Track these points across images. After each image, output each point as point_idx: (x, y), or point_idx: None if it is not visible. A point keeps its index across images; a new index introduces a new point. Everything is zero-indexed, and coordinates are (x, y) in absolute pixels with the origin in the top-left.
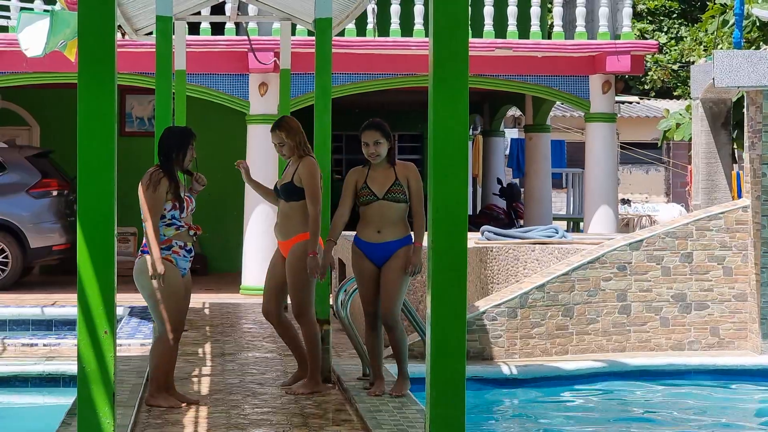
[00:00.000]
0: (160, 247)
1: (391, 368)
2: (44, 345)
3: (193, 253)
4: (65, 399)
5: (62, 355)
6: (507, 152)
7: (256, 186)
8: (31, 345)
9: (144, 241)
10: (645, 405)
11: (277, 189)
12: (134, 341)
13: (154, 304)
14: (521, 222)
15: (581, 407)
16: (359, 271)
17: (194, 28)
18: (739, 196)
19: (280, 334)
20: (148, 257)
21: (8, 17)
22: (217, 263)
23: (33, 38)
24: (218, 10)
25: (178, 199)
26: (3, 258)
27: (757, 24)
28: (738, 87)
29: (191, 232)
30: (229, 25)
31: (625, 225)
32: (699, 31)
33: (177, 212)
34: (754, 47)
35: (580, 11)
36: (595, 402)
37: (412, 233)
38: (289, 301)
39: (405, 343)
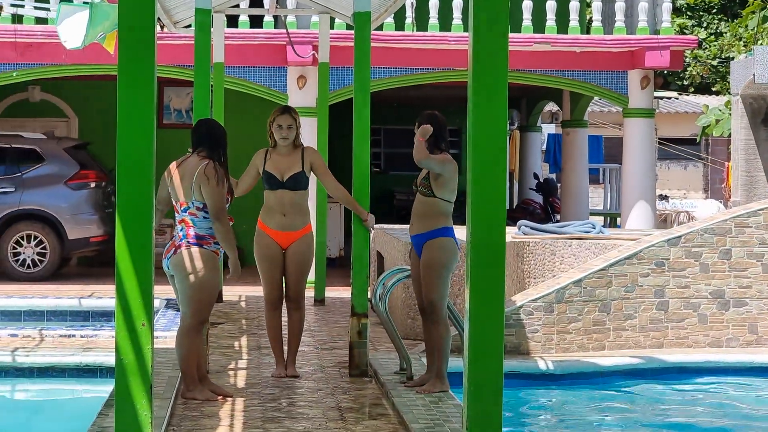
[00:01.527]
0: (212, 242)
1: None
2: (81, 336)
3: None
4: (102, 390)
5: (99, 346)
6: (544, 147)
7: None
8: (69, 336)
9: (194, 233)
10: (681, 402)
11: (275, 179)
12: (170, 333)
13: (192, 294)
14: (558, 217)
15: (618, 403)
16: (410, 264)
17: (233, 21)
18: None
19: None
20: (197, 250)
21: (48, 9)
22: (254, 256)
23: (72, 30)
24: (257, 2)
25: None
26: (41, 249)
27: None
28: None
29: (231, 223)
30: (268, 18)
31: (663, 221)
32: (739, 26)
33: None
34: None
35: (620, 6)
36: (631, 398)
37: (450, 227)
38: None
39: (446, 341)
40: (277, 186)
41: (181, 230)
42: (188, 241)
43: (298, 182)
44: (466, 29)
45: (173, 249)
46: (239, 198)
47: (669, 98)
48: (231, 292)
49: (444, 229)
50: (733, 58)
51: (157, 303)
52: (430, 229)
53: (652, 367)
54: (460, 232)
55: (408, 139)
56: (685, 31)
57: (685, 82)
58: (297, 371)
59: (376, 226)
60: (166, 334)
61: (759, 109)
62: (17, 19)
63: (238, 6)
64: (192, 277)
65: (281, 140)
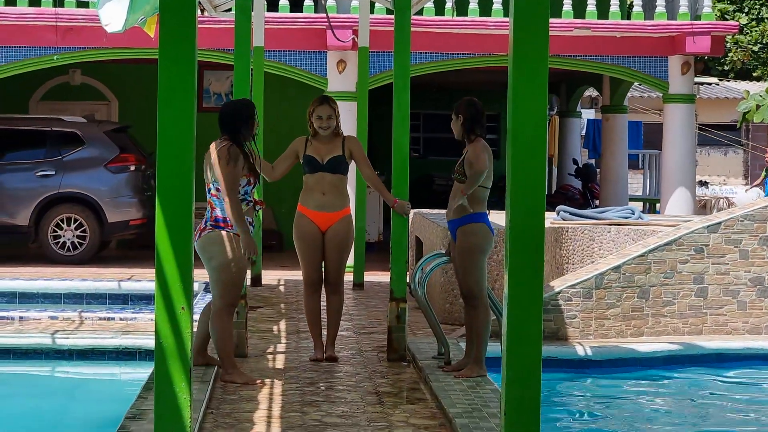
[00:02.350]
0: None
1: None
2: (121, 319)
3: (254, 227)
4: (141, 373)
5: (138, 329)
6: (583, 133)
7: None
8: (108, 319)
9: (215, 216)
10: (720, 388)
11: (316, 162)
12: None
13: (219, 277)
14: (597, 202)
15: (655, 389)
16: (450, 250)
17: (273, 5)
18: None
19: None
20: (224, 233)
21: None
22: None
23: (113, 14)
24: None
25: (253, 174)
26: (81, 232)
27: None
28: None
29: (257, 207)
30: (308, 2)
31: (702, 207)
32: None
33: (249, 188)
34: None
35: None
36: (669, 384)
37: (483, 212)
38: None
39: (486, 326)
40: (317, 168)
41: (207, 213)
42: (210, 224)
43: (338, 165)
44: (506, 14)
45: (198, 233)
46: (278, 182)
47: (709, 84)
48: (270, 276)
49: (476, 215)
50: None
51: (196, 287)
52: (462, 215)
53: (691, 354)
54: (499, 218)
55: (448, 124)
56: (726, 16)
57: (726, 68)
58: (335, 354)
59: (414, 211)
60: None
61: None
62: (58, 2)
63: None
64: (214, 261)
65: (321, 130)
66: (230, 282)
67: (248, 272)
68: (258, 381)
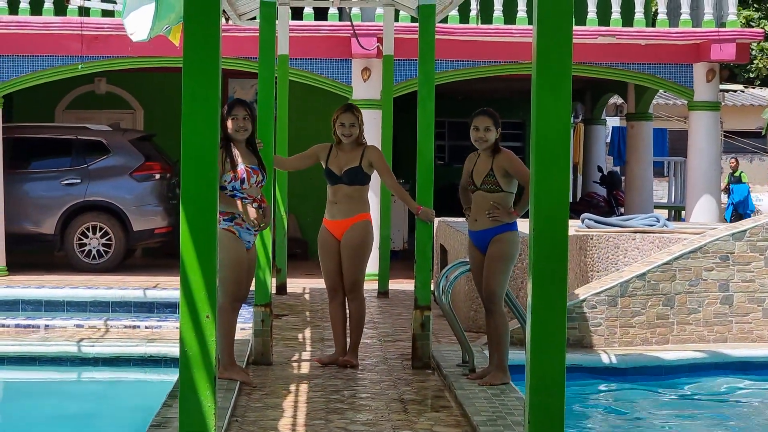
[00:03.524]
0: (222, 219)
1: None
2: (146, 327)
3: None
4: (166, 379)
5: (164, 337)
6: (608, 140)
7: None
8: (134, 327)
9: None
10: (745, 397)
11: (334, 175)
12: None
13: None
14: (622, 210)
15: (681, 398)
16: (469, 259)
17: (297, 14)
18: None
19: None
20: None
21: (114, 2)
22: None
23: (138, 23)
24: None
25: (234, 171)
26: (106, 240)
27: None
28: None
29: (255, 205)
30: (332, 11)
31: None
32: None
33: (237, 183)
34: None
35: None
36: (694, 392)
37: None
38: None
39: (505, 332)
40: (335, 181)
41: None
42: None
43: (354, 177)
44: (530, 22)
45: None
46: (302, 192)
47: (735, 91)
48: (295, 284)
49: (511, 223)
50: None
51: None
52: (497, 224)
53: (716, 362)
54: (523, 225)
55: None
56: (751, 23)
57: (751, 75)
58: (354, 361)
59: (438, 219)
60: None
61: None
62: (84, 11)
63: None
64: None
65: (344, 137)
66: (228, 278)
67: (273, 280)
68: (253, 384)
